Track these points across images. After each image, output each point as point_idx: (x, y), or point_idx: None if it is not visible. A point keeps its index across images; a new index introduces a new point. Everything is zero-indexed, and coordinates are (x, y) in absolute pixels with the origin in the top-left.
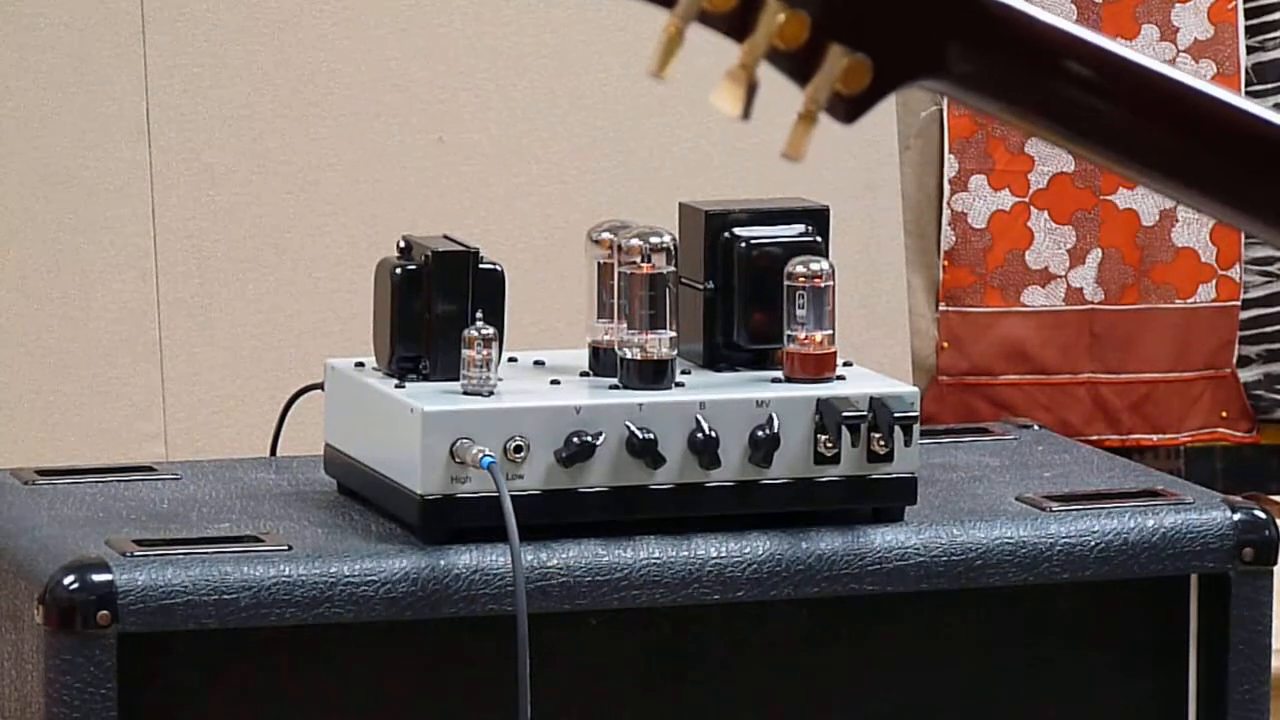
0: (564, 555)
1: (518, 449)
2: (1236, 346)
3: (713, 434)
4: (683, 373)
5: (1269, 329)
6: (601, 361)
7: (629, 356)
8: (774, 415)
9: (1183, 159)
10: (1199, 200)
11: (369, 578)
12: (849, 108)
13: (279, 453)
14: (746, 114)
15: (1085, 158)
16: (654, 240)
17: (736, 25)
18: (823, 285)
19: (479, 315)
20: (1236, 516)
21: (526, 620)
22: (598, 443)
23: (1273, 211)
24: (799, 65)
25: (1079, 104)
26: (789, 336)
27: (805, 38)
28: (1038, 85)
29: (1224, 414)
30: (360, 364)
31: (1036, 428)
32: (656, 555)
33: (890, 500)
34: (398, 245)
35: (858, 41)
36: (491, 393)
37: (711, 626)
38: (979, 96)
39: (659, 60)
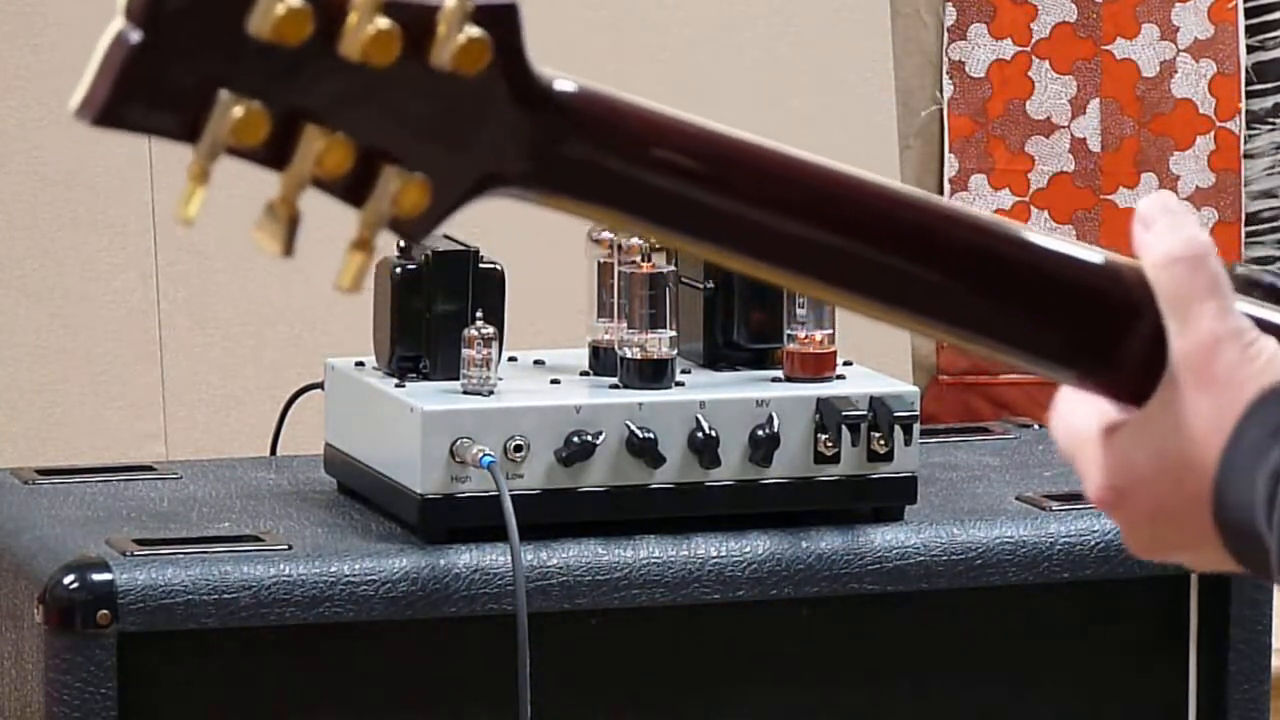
0: (564, 555)
1: (518, 448)
2: None
3: (713, 433)
4: (683, 372)
5: None
6: (601, 361)
7: (629, 356)
8: (774, 415)
9: (795, 245)
10: (819, 290)
11: (369, 577)
12: (413, 228)
13: (279, 452)
14: (289, 251)
15: (691, 251)
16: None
17: (273, 156)
18: None
19: (479, 315)
20: None
21: (526, 620)
22: (598, 442)
23: (891, 286)
24: (350, 190)
25: (672, 195)
26: (789, 336)
27: (351, 164)
28: (621, 180)
29: None
30: (360, 363)
31: (1037, 427)
32: (656, 555)
33: (890, 500)
34: (398, 245)
35: (412, 160)
36: (491, 392)
37: (711, 626)
38: (557, 197)
39: (181, 206)
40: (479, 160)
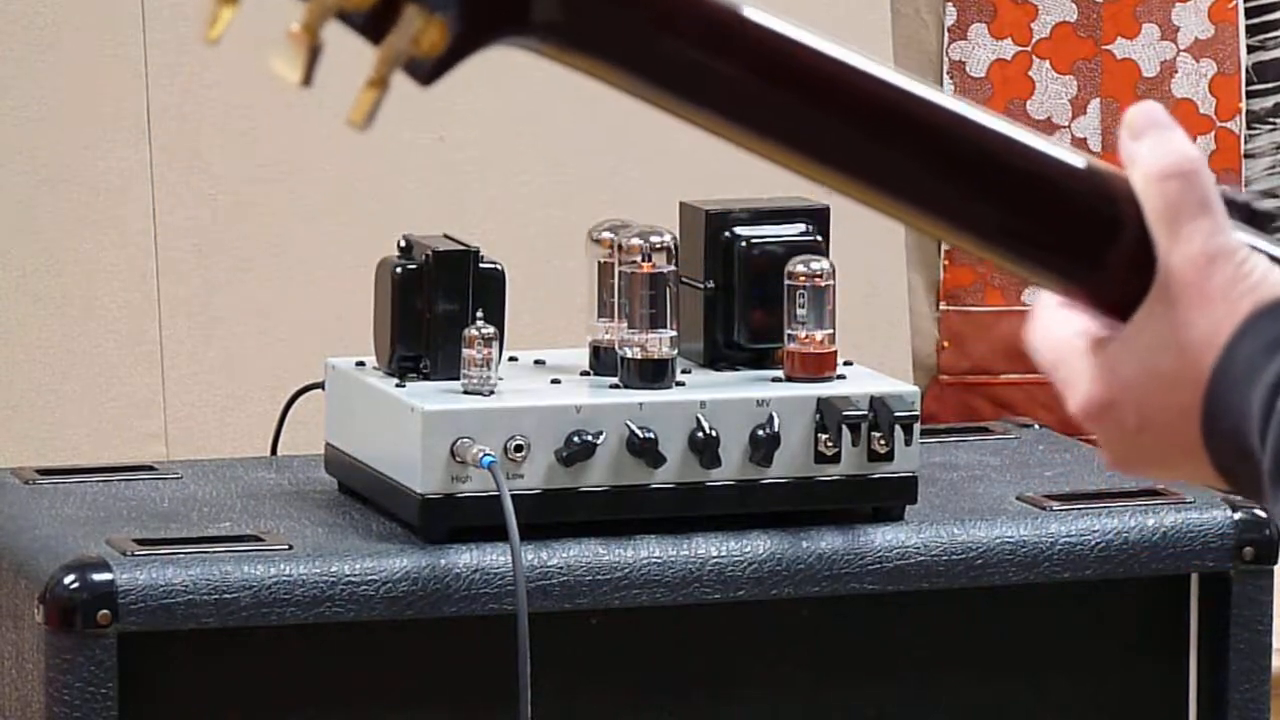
0: (564, 555)
1: (518, 448)
2: None
3: (713, 433)
4: (683, 372)
5: None
6: (602, 361)
7: (629, 356)
8: (774, 414)
9: (803, 125)
10: (829, 177)
11: (369, 577)
12: (428, 70)
13: (279, 452)
14: (308, 80)
15: (701, 125)
16: (654, 239)
17: None
18: (823, 284)
19: (479, 314)
20: (1237, 516)
21: (527, 620)
22: (598, 442)
23: (896, 181)
24: (371, 24)
25: (688, 61)
26: (789, 336)
27: None
28: (639, 39)
29: None
30: (361, 363)
31: (1037, 427)
32: (656, 555)
33: (890, 499)
34: (398, 245)
35: (435, 1)
36: (492, 392)
37: (711, 626)
38: (574, 53)
39: (207, 26)
40: (501, 7)
